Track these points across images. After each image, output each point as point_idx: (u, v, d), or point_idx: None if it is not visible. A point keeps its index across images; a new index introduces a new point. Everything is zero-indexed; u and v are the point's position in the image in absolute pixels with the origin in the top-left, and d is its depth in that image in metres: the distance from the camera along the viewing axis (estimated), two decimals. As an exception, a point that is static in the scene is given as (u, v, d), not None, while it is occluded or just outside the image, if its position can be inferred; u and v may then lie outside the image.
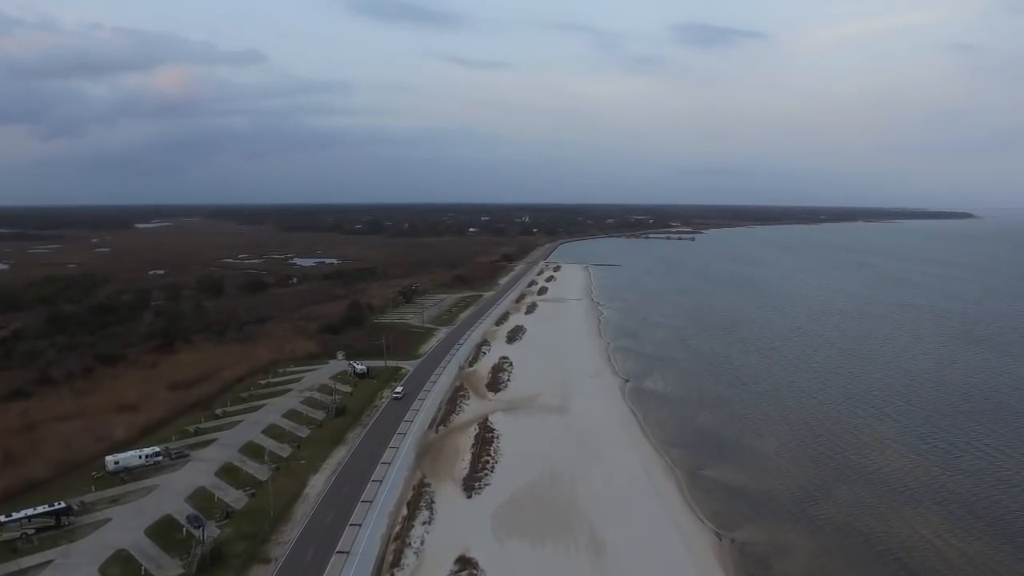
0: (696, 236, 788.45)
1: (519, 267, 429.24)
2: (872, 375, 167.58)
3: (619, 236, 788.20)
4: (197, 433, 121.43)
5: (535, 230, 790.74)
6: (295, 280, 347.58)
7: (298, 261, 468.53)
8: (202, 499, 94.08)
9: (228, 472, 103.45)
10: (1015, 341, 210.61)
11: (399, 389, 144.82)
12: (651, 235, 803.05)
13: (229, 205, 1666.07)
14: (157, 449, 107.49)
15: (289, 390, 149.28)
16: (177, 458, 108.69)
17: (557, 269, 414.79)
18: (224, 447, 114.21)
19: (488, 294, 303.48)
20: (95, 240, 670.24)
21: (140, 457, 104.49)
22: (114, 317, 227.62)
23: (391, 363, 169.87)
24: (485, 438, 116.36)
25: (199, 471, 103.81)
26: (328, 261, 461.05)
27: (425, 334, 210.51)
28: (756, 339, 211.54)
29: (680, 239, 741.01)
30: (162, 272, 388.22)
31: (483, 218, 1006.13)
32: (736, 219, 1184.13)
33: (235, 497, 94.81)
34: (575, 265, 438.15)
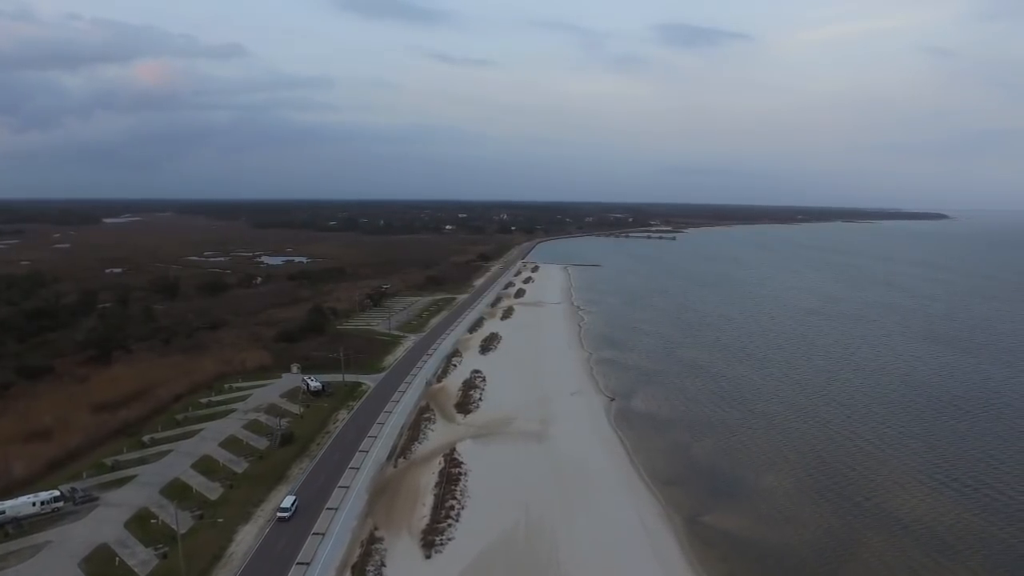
0: (676, 235, 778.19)
1: (496, 267, 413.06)
2: (874, 389, 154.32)
3: (598, 235, 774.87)
4: (114, 468, 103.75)
5: (513, 228, 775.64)
6: (259, 280, 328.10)
7: (266, 260, 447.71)
8: (100, 562, 76.89)
9: (141, 522, 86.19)
10: (1012, 348, 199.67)
11: (287, 503, 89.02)
12: (631, 234, 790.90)
13: (204, 200, 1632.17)
14: (57, 493, 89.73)
15: (232, 411, 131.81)
16: (83, 502, 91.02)
17: (535, 269, 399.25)
18: (143, 487, 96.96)
19: (462, 297, 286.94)
20: (57, 235, 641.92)
21: (35, 504, 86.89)
22: (51, 322, 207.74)
23: (350, 378, 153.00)
24: (451, 475, 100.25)
25: (106, 521, 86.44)
26: (297, 260, 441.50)
27: (391, 342, 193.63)
28: (745, 347, 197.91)
29: (661, 238, 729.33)
30: (119, 271, 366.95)
31: (460, 215, 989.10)
32: (715, 218, 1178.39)
33: (142, 559, 77.78)
34: (554, 265, 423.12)
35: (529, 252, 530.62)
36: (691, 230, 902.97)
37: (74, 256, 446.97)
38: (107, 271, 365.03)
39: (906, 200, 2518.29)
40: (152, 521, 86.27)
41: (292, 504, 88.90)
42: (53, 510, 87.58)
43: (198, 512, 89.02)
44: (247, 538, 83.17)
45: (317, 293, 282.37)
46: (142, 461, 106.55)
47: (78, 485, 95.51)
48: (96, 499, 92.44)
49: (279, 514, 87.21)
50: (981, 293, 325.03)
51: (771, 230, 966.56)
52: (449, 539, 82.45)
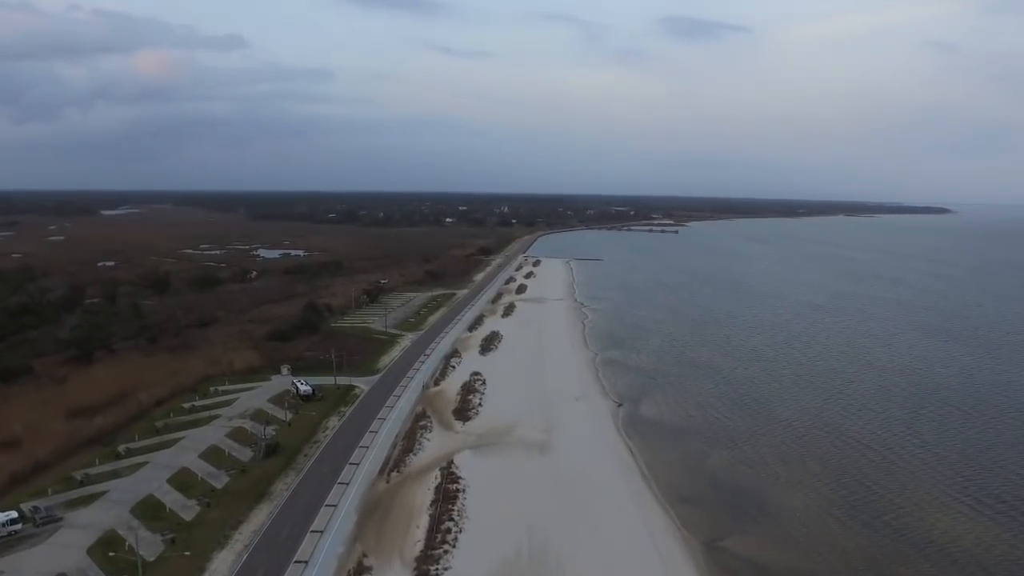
0: (679, 229, 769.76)
1: (496, 261, 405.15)
2: (891, 392, 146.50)
3: (600, 228, 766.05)
4: (84, 482, 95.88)
5: (514, 221, 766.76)
6: (254, 275, 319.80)
7: (262, 253, 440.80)
8: (56, 596, 69.35)
9: (105, 548, 78.34)
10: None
11: None
12: (633, 227, 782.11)
13: (203, 192, 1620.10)
14: (15, 514, 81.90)
15: (216, 417, 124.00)
16: (45, 523, 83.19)
17: (537, 264, 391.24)
18: (113, 504, 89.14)
19: (462, 292, 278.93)
20: (52, 228, 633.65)
21: (-11, 527, 79.31)
22: (35, 319, 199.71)
23: (343, 380, 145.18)
24: (448, 491, 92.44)
25: (67, 546, 78.58)
26: (294, 253, 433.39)
27: (388, 342, 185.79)
28: (754, 346, 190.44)
29: (663, 232, 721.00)
30: (112, 264, 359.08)
31: (461, 208, 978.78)
32: (718, 212, 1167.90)
33: (103, 592, 70.21)
34: (555, 260, 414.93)
35: (530, 246, 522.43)
36: (694, 223, 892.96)
37: (68, 249, 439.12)
38: (100, 264, 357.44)
39: (908, 194, 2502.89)
40: (111, 554, 77.38)
41: None
42: (9, 534, 79.76)
43: (170, 535, 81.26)
44: (222, 567, 75.38)
45: (313, 288, 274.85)
46: (115, 474, 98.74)
47: (41, 503, 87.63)
48: (60, 519, 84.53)
49: None
50: (992, 290, 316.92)
51: (774, 224, 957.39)
52: (445, 568, 74.67)
